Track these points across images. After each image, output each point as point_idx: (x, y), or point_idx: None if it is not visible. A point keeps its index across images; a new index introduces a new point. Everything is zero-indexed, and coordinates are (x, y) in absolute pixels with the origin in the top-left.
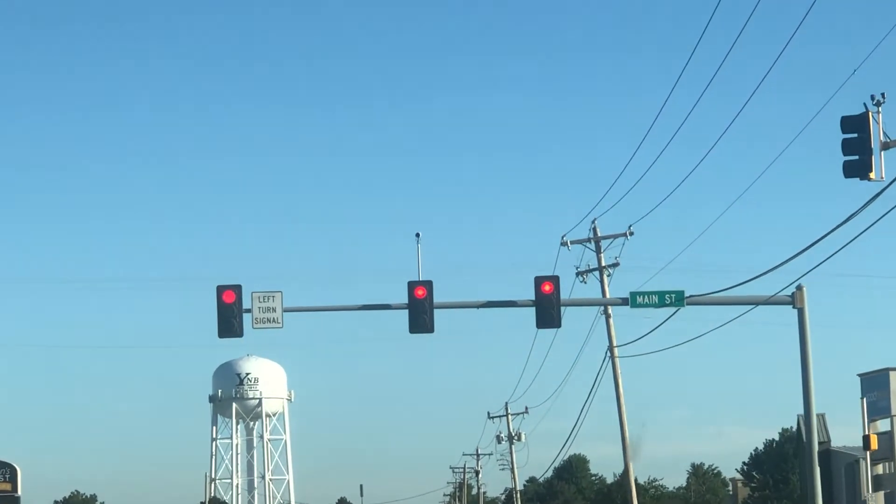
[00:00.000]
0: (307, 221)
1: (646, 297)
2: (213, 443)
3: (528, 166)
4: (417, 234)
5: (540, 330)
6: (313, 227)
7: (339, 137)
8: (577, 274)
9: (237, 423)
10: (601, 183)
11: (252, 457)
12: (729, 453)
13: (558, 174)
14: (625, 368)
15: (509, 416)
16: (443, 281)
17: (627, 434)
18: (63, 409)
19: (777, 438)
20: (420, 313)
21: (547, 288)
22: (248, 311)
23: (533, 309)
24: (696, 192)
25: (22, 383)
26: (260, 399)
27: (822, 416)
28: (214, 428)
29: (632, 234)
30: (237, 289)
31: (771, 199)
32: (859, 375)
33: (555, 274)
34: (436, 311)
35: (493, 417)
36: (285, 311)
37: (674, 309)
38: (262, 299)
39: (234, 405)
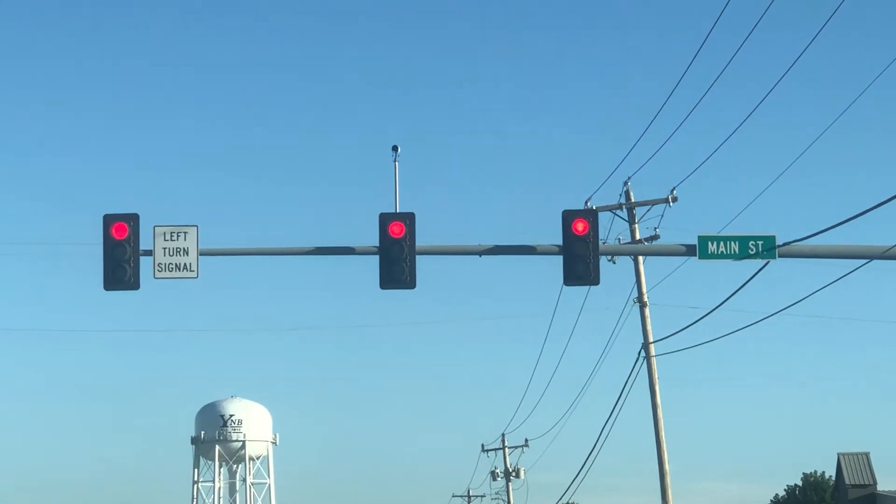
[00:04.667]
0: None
1: (721, 244)
2: (195, 486)
3: (549, 103)
4: (395, 148)
5: (550, 333)
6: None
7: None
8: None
9: (220, 467)
10: (635, 130)
11: (234, 501)
12: None
13: (585, 115)
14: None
15: (506, 450)
16: (428, 218)
17: (667, 467)
18: (29, 452)
19: (800, 484)
20: (396, 260)
21: (580, 227)
22: (149, 252)
23: (559, 260)
24: (754, 147)
25: None
26: (243, 442)
27: (865, 455)
28: (196, 471)
29: (675, 199)
30: (132, 220)
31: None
32: None
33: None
34: (418, 259)
35: (487, 451)
36: (202, 254)
37: (756, 265)
38: (168, 236)
39: (217, 447)
